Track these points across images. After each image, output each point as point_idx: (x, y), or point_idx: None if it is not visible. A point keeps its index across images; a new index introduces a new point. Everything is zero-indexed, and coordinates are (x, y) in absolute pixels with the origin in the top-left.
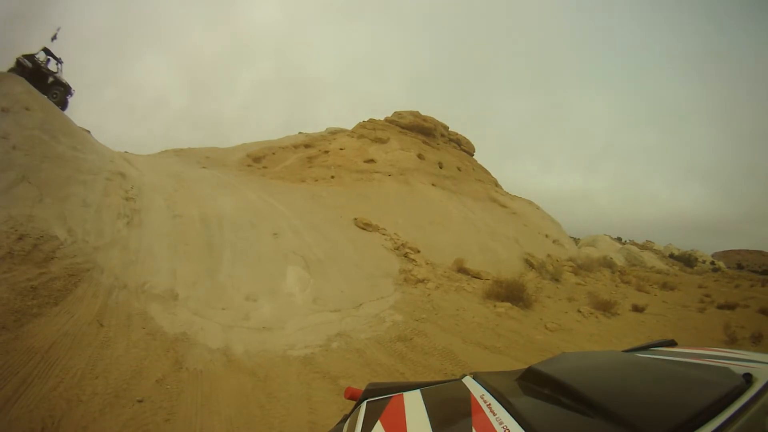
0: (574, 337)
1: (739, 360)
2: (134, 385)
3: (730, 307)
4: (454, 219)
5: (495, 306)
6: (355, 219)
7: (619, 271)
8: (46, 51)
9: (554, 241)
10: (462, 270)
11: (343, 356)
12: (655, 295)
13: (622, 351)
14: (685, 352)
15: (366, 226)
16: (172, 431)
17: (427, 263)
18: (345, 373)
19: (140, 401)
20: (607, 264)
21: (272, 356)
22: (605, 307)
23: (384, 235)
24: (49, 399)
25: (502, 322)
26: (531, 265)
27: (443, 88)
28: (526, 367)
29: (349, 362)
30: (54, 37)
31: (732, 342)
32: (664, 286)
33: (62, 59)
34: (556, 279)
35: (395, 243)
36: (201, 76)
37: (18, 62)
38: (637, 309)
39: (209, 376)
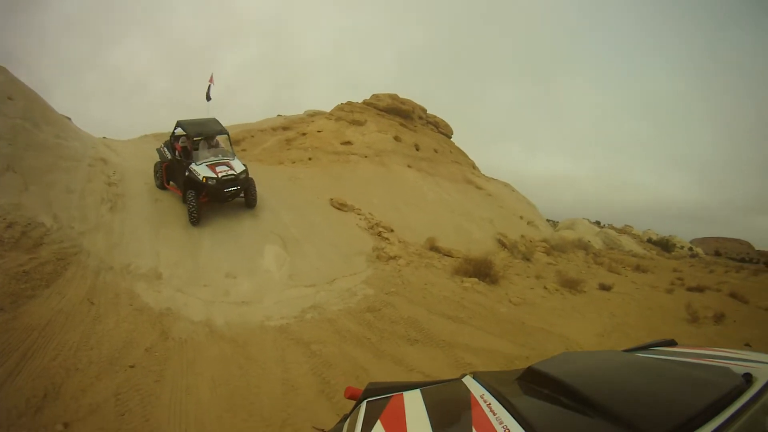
0: (537, 310)
1: (739, 360)
2: (125, 353)
3: (700, 289)
4: (429, 200)
5: (462, 281)
6: (331, 199)
7: (594, 253)
8: (180, 125)
9: (529, 223)
10: (434, 248)
11: (316, 325)
12: (626, 276)
13: (622, 351)
14: (685, 352)
15: (342, 207)
16: (162, 390)
17: (399, 242)
18: (317, 340)
19: (132, 367)
20: (582, 246)
21: (251, 327)
22: (571, 285)
23: (359, 215)
24: (50, 369)
25: (468, 296)
26: (503, 245)
27: (432, 71)
28: (522, 365)
29: (321, 330)
30: (208, 94)
31: (694, 320)
32: (637, 268)
33: (213, 136)
34: (527, 258)
35: (369, 222)
36: (182, 57)
37: (159, 153)
38: (603, 287)
39: (193, 345)
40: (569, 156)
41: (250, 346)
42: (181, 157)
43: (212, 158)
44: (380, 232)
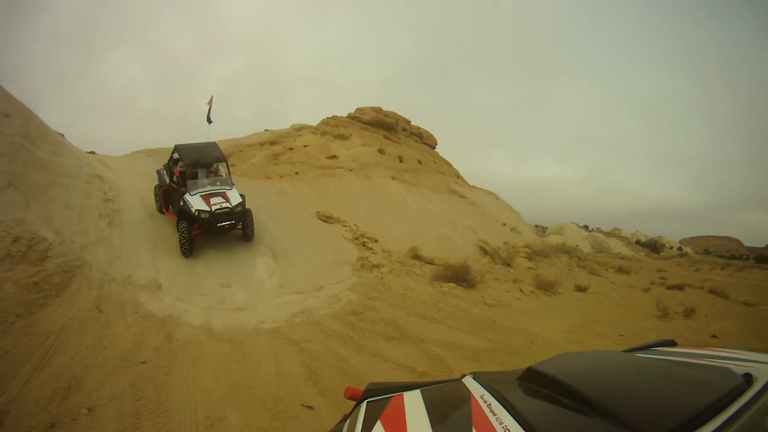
0: (510, 311)
1: (739, 360)
2: (136, 352)
3: (680, 288)
4: (412, 210)
5: (441, 286)
6: (318, 212)
7: (577, 257)
8: (177, 150)
9: (512, 229)
10: (416, 257)
11: (304, 327)
12: (607, 277)
13: (622, 351)
14: (685, 352)
15: (328, 219)
16: (172, 380)
17: (383, 251)
18: (305, 339)
19: (143, 363)
20: (566, 250)
21: (246, 330)
22: (547, 287)
23: (344, 226)
24: (70, 366)
25: (445, 299)
26: (485, 252)
27: (419, 81)
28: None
29: (310, 331)
30: (209, 117)
31: (664, 316)
32: (620, 270)
33: (214, 161)
34: (508, 264)
35: (354, 233)
36: (169, 72)
37: (158, 175)
38: (579, 289)
39: (196, 345)
40: (556, 159)
41: (246, 345)
42: (178, 182)
43: (208, 188)
44: (365, 242)
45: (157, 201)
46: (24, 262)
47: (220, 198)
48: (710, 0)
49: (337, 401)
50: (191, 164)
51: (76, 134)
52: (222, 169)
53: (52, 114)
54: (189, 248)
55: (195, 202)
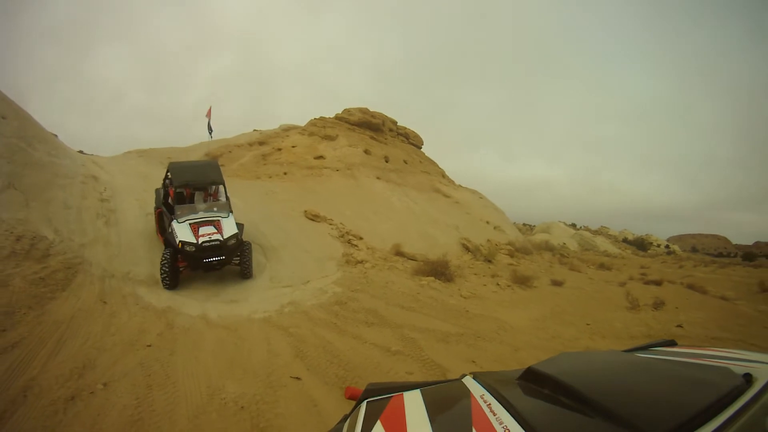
0: (484, 302)
1: (739, 360)
2: (141, 338)
3: (658, 283)
4: (397, 209)
5: (420, 280)
6: (305, 211)
7: (560, 254)
8: (170, 169)
9: (495, 228)
10: (399, 253)
11: (292, 316)
12: (586, 273)
13: (622, 351)
14: (686, 352)
15: (315, 217)
16: (176, 359)
17: (367, 248)
18: (293, 325)
19: (149, 346)
20: (549, 248)
21: (240, 318)
22: (523, 281)
23: (331, 224)
24: (83, 349)
25: (423, 291)
26: (467, 249)
27: (410, 81)
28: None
29: (297, 319)
30: (210, 129)
31: (633, 308)
32: (601, 266)
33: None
34: (489, 260)
35: (340, 231)
36: (159, 70)
37: (156, 195)
38: (555, 283)
39: (195, 331)
40: (550, 159)
41: (240, 331)
42: (173, 203)
43: (200, 215)
44: (350, 240)
45: (157, 222)
46: (28, 259)
47: (212, 228)
48: (699, 5)
49: (321, 373)
50: (181, 185)
51: (64, 133)
52: (222, 191)
53: (43, 113)
54: (171, 281)
55: (181, 231)
